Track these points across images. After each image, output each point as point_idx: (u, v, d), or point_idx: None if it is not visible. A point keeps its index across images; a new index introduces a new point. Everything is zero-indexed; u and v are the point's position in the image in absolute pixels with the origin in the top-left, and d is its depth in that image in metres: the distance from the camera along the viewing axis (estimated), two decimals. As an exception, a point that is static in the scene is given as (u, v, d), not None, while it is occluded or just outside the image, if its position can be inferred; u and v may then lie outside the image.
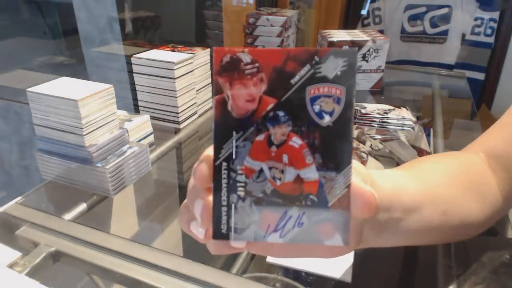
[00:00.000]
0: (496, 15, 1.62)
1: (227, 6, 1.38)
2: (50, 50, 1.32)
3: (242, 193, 0.25)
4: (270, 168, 0.25)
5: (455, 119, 1.08)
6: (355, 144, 0.85)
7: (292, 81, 0.24)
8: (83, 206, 0.64)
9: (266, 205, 0.25)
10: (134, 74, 0.90)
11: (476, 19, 1.64)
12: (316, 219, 0.25)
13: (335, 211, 0.25)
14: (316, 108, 0.24)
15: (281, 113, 0.24)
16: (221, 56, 0.24)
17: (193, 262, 0.50)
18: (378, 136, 0.87)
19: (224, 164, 0.25)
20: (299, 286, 0.60)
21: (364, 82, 1.17)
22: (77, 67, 1.28)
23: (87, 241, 0.55)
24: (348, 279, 0.56)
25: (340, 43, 1.12)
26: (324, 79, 0.24)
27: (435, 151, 0.84)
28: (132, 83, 0.92)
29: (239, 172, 0.25)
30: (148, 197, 0.88)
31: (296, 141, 0.24)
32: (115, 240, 0.55)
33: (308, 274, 0.58)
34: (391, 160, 0.80)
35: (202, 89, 0.98)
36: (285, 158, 0.25)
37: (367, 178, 0.28)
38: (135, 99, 0.93)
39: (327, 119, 0.24)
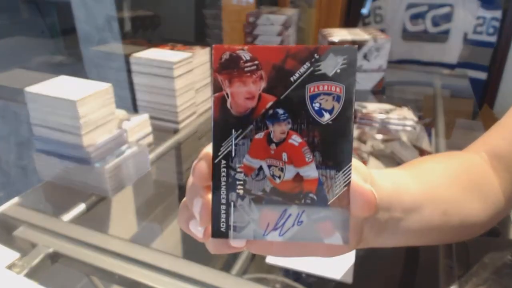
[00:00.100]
0: (498, 13, 1.61)
1: (227, 5, 1.38)
2: (48, 49, 1.32)
3: (241, 191, 0.25)
4: (269, 166, 0.25)
5: (457, 119, 1.08)
6: (356, 144, 0.84)
7: (292, 79, 0.24)
8: (81, 207, 0.64)
9: (265, 203, 0.25)
10: (133, 74, 0.90)
11: (478, 18, 1.63)
12: (315, 218, 0.25)
13: (335, 209, 0.25)
14: (316, 106, 0.24)
15: (280, 111, 0.24)
16: (221, 53, 0.24)
17: (193, 263, 0.50)
18: (380, 136, 0.87)
19: (223, 162, 0.25)
20: (299, 287, 0.59)
21: (365, 81, 1.17)
22: (75, 66, 1.28)
23: (85, 242, 0.54)
24: (349, 280, 0.55)
25: (341, 43, 1.11)
26: (323, 77, 0.24)
27: (437, 151, 0.83)
28: (131, 83, 0.92)
29: (238, 170, 0.25)
30: (147, 198, 0.88)
31: (295, 139, 0.24)
32: (114, 241, 0.55)
33: (309, 275, 0.58)
34: (392, 160, 0.80)
35: (202, 88, 0.98)
36: (284, 156, 0.25)
37: (367, 177, 0.28)
38: (134, 98, 0.93)
39: (326, 117, 0.24)
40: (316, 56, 0.24)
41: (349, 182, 0.25)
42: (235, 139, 0.24)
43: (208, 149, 0.25)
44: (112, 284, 0.52)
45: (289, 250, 0.29)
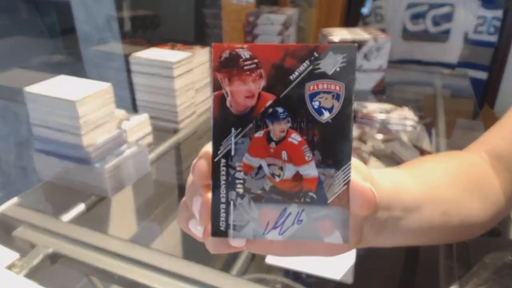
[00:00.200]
0: (499, 13, 1.61)
1: (227, 5, 1.38)
2: (48, 49, 1.32)
3: (241, 190, 0.25)
4: (269, 165, 0.25)
5: (457, 119, 1.08)
6: (356, 144, 0.84)
7: (291, 77, 0.24)
8: (81, 207, 0.64)
9: (265, 202, 0.25)
10: (133, 73, 0.90)
11: (479, 17, 1.63)
12: (315, 216, 0.25)
13: (335, 208, 0.25)
14: (315, 104, 0.24)
15: (280, 110, 0.24)
16: (220, 52, 0.24)
17: (193, 263, 0.50)
18: (380, 136, 0.87)
19: (223, 160, 0.25)
20: (299, 287, 0.59)
21: (365, 81, 1.17)
22: (75, 66, 1.28)
23: (85, 242, 0.54)
24: (349, 280, 0.55)
25: (342, 43, 1.11)
26: (323, 75, 0.24)
27: (437, 151, 0.83)
28: (131, 83, 0.92)
29: (238, 169, 0.25)
30: (147, 198, 0.88)
31: (295, 138, 0.24)
32: (114, 241, 0.54)
33: (309, 275, 0.58)
34: (393, 160, 0.80)
35: (201, 88, 0.98)
36: (284, 154, 0.25)
37: (367, 176, 0.28)
38: (133, 98, 0.93)
39: (326, 116, 0.24)
40: (315, 54, 0.24)
41: (349, 180, 0.25)
42: (235, 137, 0.24)
43: (208, 147, 0.25)
44: (111, 284, 0.52)
45: (288, 250, 0.29)
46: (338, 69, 0.24)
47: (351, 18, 1.81)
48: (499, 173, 0.41)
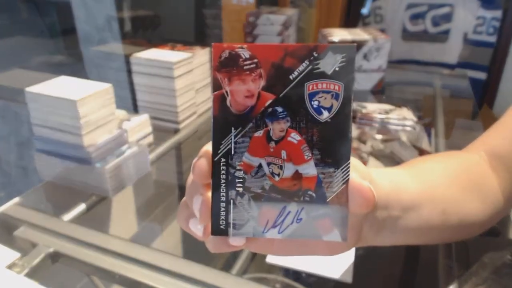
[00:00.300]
0: (498, 13, 1.61)
1: (227, 5, 1.38)
2: (48, 49, 1.32)
3: (240, 189, 0.25)
4: (268, 164, 0.25)
5: (456, 119, 1.08)
6: (356, 144, 0.84)
7: (291, 77, 0.24)
8: (82, 207, 0.64)
9: (264, 201, 0.25)
10: (133, 74, 0.90)
11: (478, 18, 1.63)
12: (314, 215, 0.25)
13: (334, 206, 0.25)
14: (315, 104, 0.24)
15: (279, 109, 0.24)
16: (220, 52, 0.24)
17: (193, 263, 0.50)
18: (379, 136, 0.87)
19: (223, 160, 0.25)
20: (299, 287, 0.59)
21: (365, 81, 1.17)
22: (75, 67, 1.28)
23: (86, 241, 0.54)
24: (349, 279, 0.55)
25: (342, 43, 1.11)
26: (322, 75, 0.24)
27: (437, 151, 0.83)
28: (131, 83, 0.92)
29: (238, 168, 0.25)
30: (147, 198, 0.88)
31: (294, 137, 0.25)
32: (114, 241, 0.55)
33: (308, 274, 0.58)
34: (392, 160, 0.80)
35: (202, 88, 0.98)
36: (283, 154, 0.25)
37: (365, 175, 0.28)
38: (134, 98, 0.93)
39: (325, 115, 0.24)
40: (315, 54, 0.24)
41: (348, 179, 0.25)
42: (235, 137, 0.25)
43: (208, 147, 0.26)
44: (112, 284, 0.52)
45: (288, 249, 0.30)
46: (337, 68, 0.24)
47: (351, 19, 1.81)
48: (498, 173, 0.42)
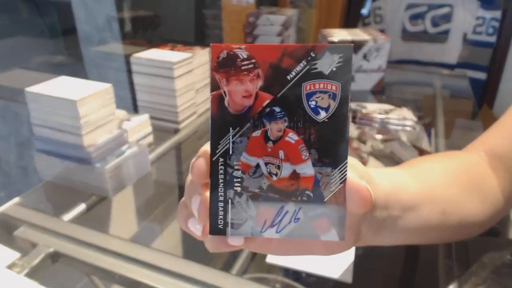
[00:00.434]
0: (498, 14, 1.61)
1: (227, 5, 1.38)
2: (48, 49, 1.32)
3: (238, 189, 0.25)
4: (266, 164, 0.25)
5: (456, 119, 1.08)
6: (356, 144, 0.84)
7: (288, 77, 0.24)
8: (82, 207, 0.64)
9: (262, 201, 0.25)
10: (134, 74, 0.90)
11: (477, 18, 1.63)
12: (312, 214, 0.25)
13: (331, 206, 0.25)
14: (312, 104, 0.24)
15: (277, 109, 0.24)
16: (218, 52, 0.24)
17: (193, 263, 0.50)
18: (379, 136, 0.87)
19: (221, 159, 0.25)
20: (299, 287, 0.59)
21: (365, 82, 1.17)
22: (76, 67, 1.28)
23: (86, 241, 0.54)
24: (349, 279, 0.55)
25: (341, 43, 1.11)
26: (320, 75, 0.24)
27: (437, 151, 0.83)
28: (131, 83, 0.92)
29: (236, 167, 0.25)
30: (147, 198, 0.88)
31: (292, 137, 0.25)
32: (114, 241, 0.55)
33: (308, 274, 0.58)
34: (392, 160, 0.80)
35: (202, 88, 0.98)
36: (281, 153, 0.25)
37: (364, 174, 0.28)
38: (134, 98, 0.93)
39: (323, 115, 0.24)
40: (312, 54, 0.24)
41: (345, 179, 0.25)
42: (233, 137, 0.25)
43: (206, 147, 0.26)
44: (112, 284, 0.52)
45: (286, 248, 0.30)
46: (334, 69, 0.24)
47: (351, 19, 1.81)
48: (498, 173, 0.42)
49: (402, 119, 0.91)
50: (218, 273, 0.49)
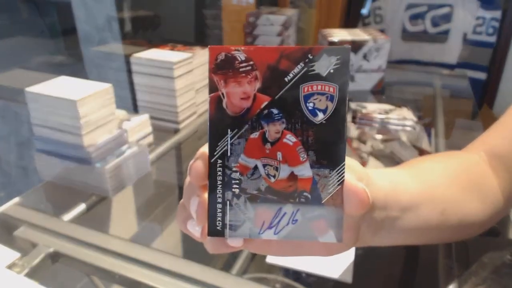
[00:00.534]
0: (498, 14, 1.61)
1: (227, 5, 1.38)
2: (48, 49, 1.32)
3: (236, 190, 0.25)
4: (264, 166, 0.25)
5: (456, 119, 1.08)
6: (356, 144, 0.84)
7: (286, 79, 0.24)
8: (82, 207, 0.64)
9: (260, 202, 0.25)
10: (133, 74, 0.90)
11: (477, 18, 1.63)
12: (310, 216, 0.25)
13: (329, 208, 0.25)
14: (310, 105, 0.24)
15: (275, 111, 0.24)
16: (216, 54, 0.25)
17: (193, 263, 0.50)
18: (379, 136, 0.87)
19: (219, 161, 0.25)
20: (299, 287, 0.59)
21: (365, 82, 1.17)
22: (76, 67, 1.28)
23: (86, 241, 0.54)
24: (349, 279, 0.55)
25: (341, 43, 1.11)
26: (317, 77, 0.24)
27: (437, 151, 0.83)
28: (131, 83, 0.92)
29: (234, 169, 0.25)
30: (147, 198, 0.88)
31: (290, 139, 0.25)
32: (114, 241, 0.55)
33: (308, 274, 0.58)
34: (392, 160, 0.80)
35: (202, 88, 0.98)
36: (279, 155, 0.25)
37: (362, 176, 0.28)
38: (134, 98, 0.93)
39: (320, 117, 0.24)
40: (310, 56, 0.24)
41: (343, 180, 0.25)
42: (231, 138, 0.25)
43: (204, 148, 0.26)
44: (112, 284, 0.53)
45: (285, 249, 0.30)
46: (332, 70, 0.24)
47: (351, 19, 1.81)
48: (498, 173, 0.42)
49: (402, 119, 0.91)
50: (218, 273, 0.49)
